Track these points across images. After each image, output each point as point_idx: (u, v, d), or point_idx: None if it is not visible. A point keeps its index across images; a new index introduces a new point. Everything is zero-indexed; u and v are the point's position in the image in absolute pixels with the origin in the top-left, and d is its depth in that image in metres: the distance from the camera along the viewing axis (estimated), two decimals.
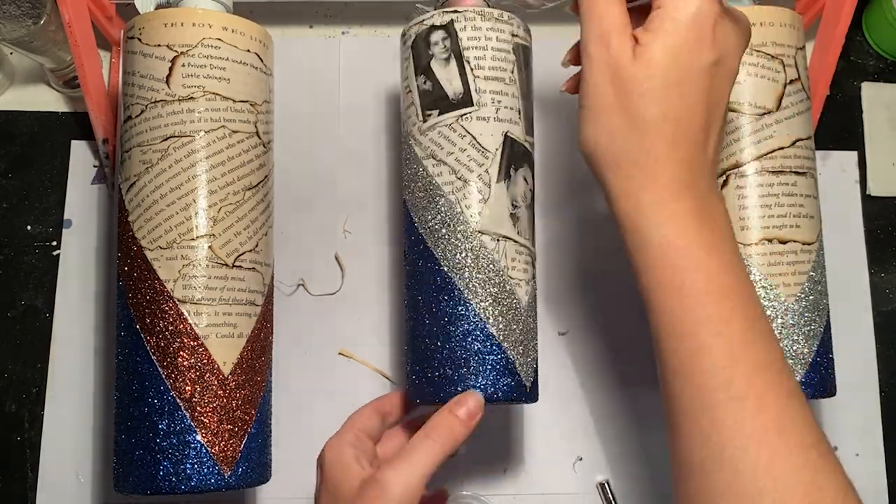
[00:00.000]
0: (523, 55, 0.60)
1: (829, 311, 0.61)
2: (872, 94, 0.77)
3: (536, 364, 0.58)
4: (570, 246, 0.72)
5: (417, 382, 0.59)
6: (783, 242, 0.60)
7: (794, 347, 0.59)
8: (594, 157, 0.51)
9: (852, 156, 0.76)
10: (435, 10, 0.60)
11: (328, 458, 0.55)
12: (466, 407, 0.54)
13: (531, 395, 0.57)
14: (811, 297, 0.60)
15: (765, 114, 0.61)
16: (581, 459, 0.69)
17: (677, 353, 0.48)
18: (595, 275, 0.72)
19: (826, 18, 0.67)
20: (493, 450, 0.68)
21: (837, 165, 0.75)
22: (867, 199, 0.75)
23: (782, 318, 0.59)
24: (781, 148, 0.61)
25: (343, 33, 0.76)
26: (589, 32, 0.50)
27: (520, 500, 0.68)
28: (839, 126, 0.76)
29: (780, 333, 0.59)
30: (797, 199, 0.60)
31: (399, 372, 0.69)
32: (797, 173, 0.60)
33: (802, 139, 0.61)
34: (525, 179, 0.58)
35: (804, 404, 0.46)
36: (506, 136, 0.58)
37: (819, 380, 0.58)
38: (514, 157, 0.58)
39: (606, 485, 0.68)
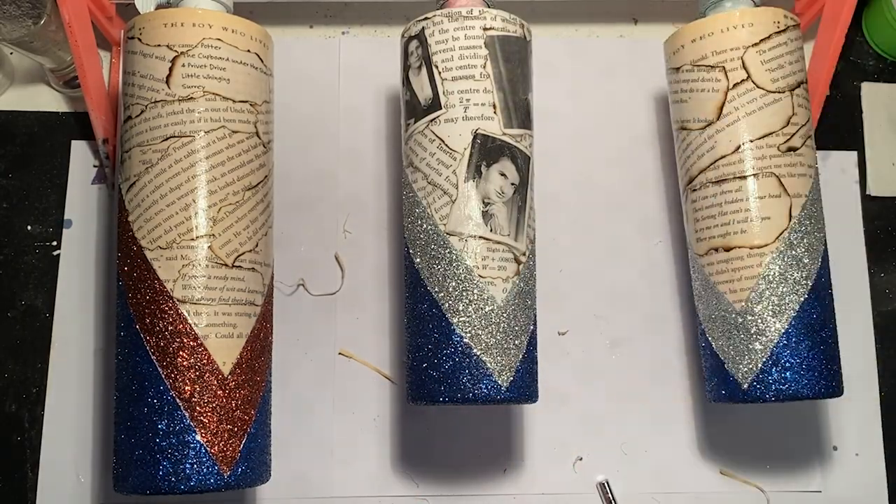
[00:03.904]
0: (499, 47, 0.59)
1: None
2: (872, 94, 0.77)
3: (525, 363, 0.58)
4: (571, 246, 0.72)
5: (410, 382, 0.60)
6: (727, 250, 0.61)
7: (746, 349, 0.59)
8: None
9: (852, 156, 0.76)
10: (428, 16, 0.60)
11: None
12: None
13: (513, 394, 0.57)
14: (765, 300, 0.59)
15: (707, 126, 0.62)
16: (581, 459, 0.69)
17: None
18: (595, 275, 0.72)
19: (826, 18, 0.67)
20: (493, 450, 0.68)
21: (837, 165, 0.75)
22: (867, 199, 0.75)
23: (732, 322, 0.60)
24: (724, 156, 0.61)
25: (343, 33, 0.76)
26: None
27: (520, 500, 0.68)
28: (839, 126, 0.76)
29: (730, 339, 0.60)
30: (742, 205, 0.60)
31: (399, 372, 0.69)
32: (741, 178, 0.60)
33: (753, 139, 0.60)
34: (502, 174, 0.58)
35: None
36: (475, 134, 0.58)
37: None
38: (487, 153, 0.58)
39: (606, 485, 0.68)
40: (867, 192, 0.75)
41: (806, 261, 0.60)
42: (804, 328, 0.59)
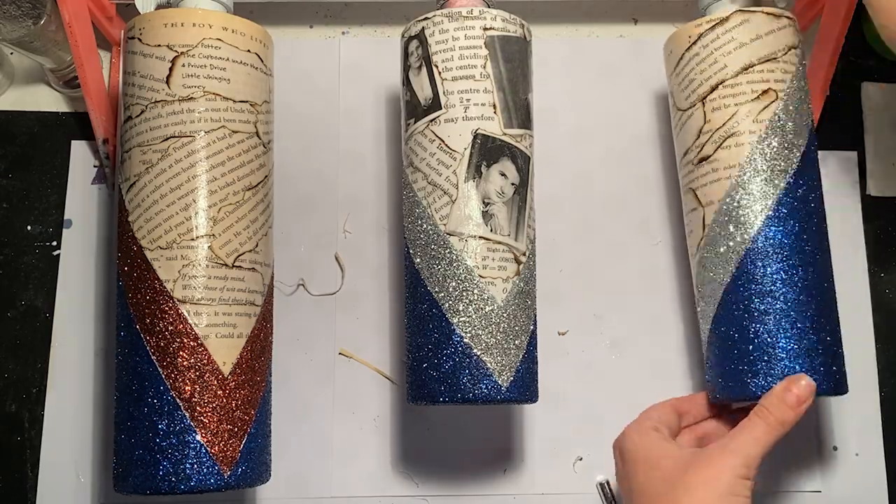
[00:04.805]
0: (499, 47, 0.59)
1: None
2: (872, 94, 0.77)
3: (525, 363, 0.58)
4: (571, 246, 0.72)
5: (410, 382, 0.60)
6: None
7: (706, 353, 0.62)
8: None
9: (852, 156, 0.76)
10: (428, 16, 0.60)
11: (631, 437, 0.56)
12: (795, 393, 0.55)
13: (513, 394, 0.57)
14: (700, 306, 0.62)
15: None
16: (581, 459, 0.69)
17: None
18: (595, 275, 0.72)
19: (826, 18, 0.67)
20: (493, 450, 0.68)
21: (837, 165, 0.75)
22: (867, 199, 0.75)
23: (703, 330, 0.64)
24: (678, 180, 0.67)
25: (343, 33, 0.76)
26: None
27: (520, 500, 0.68)
28: (839, 126, 0.76)
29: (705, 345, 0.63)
30: (685, 220, 0.65)
31: (399, 372, 0.69)
32: (688, 192, 0.64)
33: (679, 160, 0.64)
34: (502, 174, 0.58)
35: None
36: (476, 134, 0.58)
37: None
38: (487, 153, 0.58)
39: (606, 485, 0.68)
40: (867, 192, 0.75)
41: (720, 267, 0.59)
42: (725, 332, 0.59)
